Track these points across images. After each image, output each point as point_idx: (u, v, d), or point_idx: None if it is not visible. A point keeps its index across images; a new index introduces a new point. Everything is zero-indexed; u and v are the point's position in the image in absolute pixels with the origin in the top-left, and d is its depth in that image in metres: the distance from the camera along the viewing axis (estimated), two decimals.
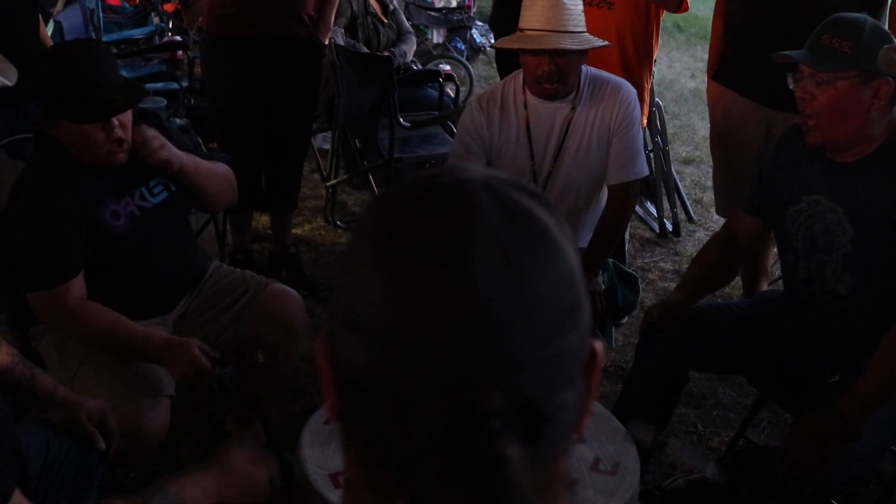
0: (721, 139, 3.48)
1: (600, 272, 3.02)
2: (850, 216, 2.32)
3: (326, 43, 4.01)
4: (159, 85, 5.01)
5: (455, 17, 7.98)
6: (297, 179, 4.20)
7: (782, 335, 2.52)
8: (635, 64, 3.52)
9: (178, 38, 6.02)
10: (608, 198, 3.04)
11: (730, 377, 3.38)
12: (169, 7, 6.84)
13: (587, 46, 2.81)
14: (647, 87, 3.65)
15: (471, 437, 0.63)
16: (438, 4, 8.07)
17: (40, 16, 3.67)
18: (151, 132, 2.44)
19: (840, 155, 2.35)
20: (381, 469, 0.69)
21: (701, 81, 7.43)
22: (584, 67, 2.94)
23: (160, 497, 1.37)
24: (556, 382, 0.68)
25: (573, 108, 2.93)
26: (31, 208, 2.32)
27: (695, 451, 2.47)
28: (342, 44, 4.76)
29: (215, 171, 2.68)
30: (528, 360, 0.65)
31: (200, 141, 4.03)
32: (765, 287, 3.50)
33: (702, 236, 4.81)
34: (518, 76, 3.00)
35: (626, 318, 3.67)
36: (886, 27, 3.01)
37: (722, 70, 3.40)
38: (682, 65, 8.87)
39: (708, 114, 3.64)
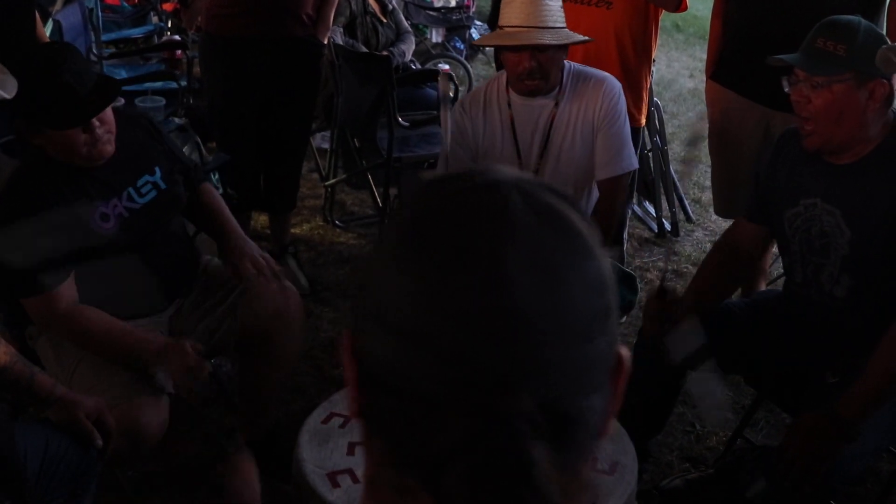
0: (720, 139, 3.48)
1: None
2: (847, 218, 2.32)
3: (325, 42, 4.01)
4: (158, 84, 5.00)
5: (454, 17, 7.97)
6: (296, 179, 4.20)
7: (780, 335, 2.52)
8: (634, 63, 3.52)
9: (176, 37, 6.01)
10: (599, 193, 3.03)
11: (728, 377, 3.38)
12: (168, 6, 6.84)
13: (566, 41, 2.82)
14: (646, 86, 3.65)
15: (498, 438, 0.64)
16: (437, 4, 8.06)
17: (38, 15, 3.66)
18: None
19: (837, 157, 2.35)
20: (406, 469, 0.69)
21: (700, 81, 7.42)
22: (567, 63, 2.94)
23: None
24: (584, 386, 0.68)
25: (556, 105, 2.93)
26: (13, 215, 2.31)
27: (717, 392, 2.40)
28: (341, 43, 4.76)
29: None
30: (557, 362, 0.65)
31: (199, 141, 4.03)
32: (763, 287, 3.50)
33: (700, 236, 4.82)
34: (501, 76, 3.01)
35: (624, 318, 3.67)
36: (884, 28, 3.02)
37: (720, 70, 3.40)
38: (680, 64, 8.87)
39: (707, 113, 3.64)
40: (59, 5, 5.32)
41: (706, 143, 3.63)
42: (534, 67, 2.79)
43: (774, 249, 2.76)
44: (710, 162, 3.74)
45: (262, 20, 3.67)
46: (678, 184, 5.00)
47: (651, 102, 4.21)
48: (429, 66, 6.27)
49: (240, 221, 4.01)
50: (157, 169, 2.55)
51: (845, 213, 2.32)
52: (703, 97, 3.77)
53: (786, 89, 2.35)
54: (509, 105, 2.96)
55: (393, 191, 4.49)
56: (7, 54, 2.65)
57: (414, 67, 5.43)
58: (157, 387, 2.36)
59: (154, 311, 2.58)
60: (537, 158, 2.97)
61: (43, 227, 2.30)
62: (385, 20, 5.25)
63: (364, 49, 5.01)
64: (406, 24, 5.50)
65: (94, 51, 5.76)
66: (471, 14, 8.10)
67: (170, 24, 6.75)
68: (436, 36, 8.03)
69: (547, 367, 0.65)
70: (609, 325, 0.69)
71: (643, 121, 3.72)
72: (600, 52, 3.42)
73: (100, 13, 6.03)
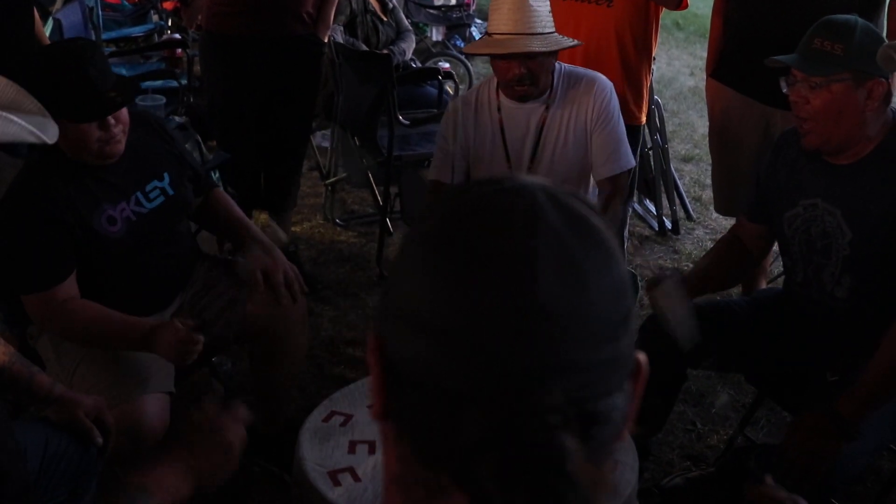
0: (720, 137, 3.48)
1: None
2: (847, 218, 2.32)
3: (326, 41, 4.01)
4: (158, 83, 5.00)
5: (454, 15, 7.97)
6: (297, 177, 4.20)
7: (781, 334, 2.52)
8: (635, 61, 3.52)
9: (177, 36, 6.01)
10: (598, 193, 3.03)
11: (728, 375, 3.38)
12: (168, 5, 6.84)
13: (556, 48, 2.81)
14: (647, 84, 3.64)
15: (530, 430, 0.65)
16: (438, 2, 8.06)
17: (37, 13, 3.66)
18: None
19: (836, 157, 2.35)
20: (435, 466, 0.70)
21: (700, 79, 7.42)
22: (557, 65, 2.93)
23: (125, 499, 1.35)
24: (609, 386, 0.70)
25: (547, 108, 2.92)
26: (18, 214, 2.32)
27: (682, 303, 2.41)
28: (341, 42, 4.75)
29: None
30: (584, 361, 0.67)
31: (199, 139, 4.03)
32: (763, 285, 3.50)
33: (701, 234, 4.81)
34: (492, 79, 3.00)
35: None
36: (885, 28, 3.02)
37: (721, 68, 3.40)
38: (681, 63, 8.86)
39: (707, 112, 3.64)
40: (59, 4, 5.32)
41: (706, 141, 3.62)
42: (523, 74, 2.79)
43: (775, 248, 2.76)
44: (710, 160, 3.74)
45: (262, 18, 3.67)
46: (678, 182, 5.00)
47: (651, 100, 4.21)
48: (429, 64, 6.27)
49: None
50: (165, 174, 2.55)
51: (846, 213, 2.32)
52: (704, 95, 3.77)
53: (784, 90, 2.35)
54: (499, 109, 2.96)
55: (393, 189, 4.49)
56: (5, 53, 2.66)
57: (414, 66, 5.43)
58: (158, 384, 2.36)
59: (156, 310, 2.58)
60: (528, 162, 2.96)
61: (47, 225, 2.30)
62: (385, 18, 5.25)
63: (364, 47, 5.00)
64: (406, 22, 5.49)
65: None
66: (471, 12, 8.09)
67: (170, 23, 6.75)
68: (436, 34, 8.03)
69: (574, 365, 0.67)
70: (630, 327, 0.72)
71: (644, 119, 3.72)
72: (601, 51, 3.42)
73: (100, 12, 6.04)
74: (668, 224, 4.81)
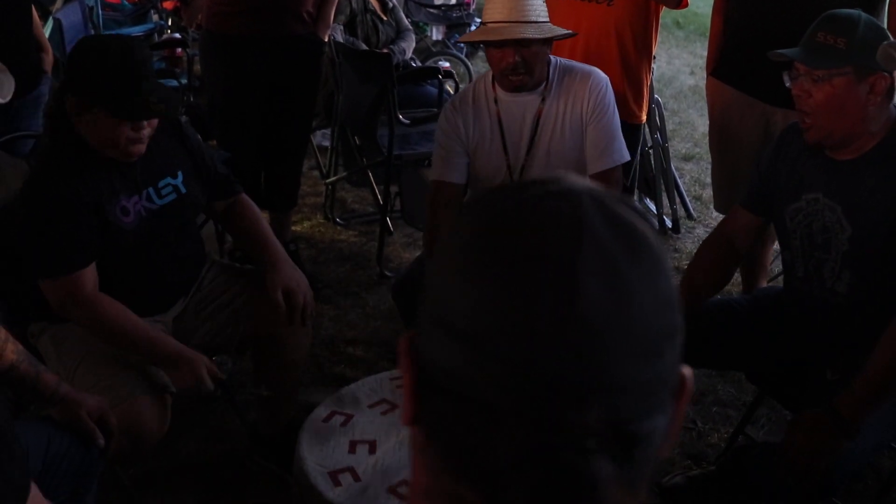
0: (720, 135, 3.48)
1: None
2: (848, 214, 2.32)
3: (326, 40, 4.01)
4: None
5: (454, 14, 7.97)
6: (297, 177, 4.20)
7: (781, 332, 2.52)
8: (635, 60, 3.52)
9: (177, 35, 6.03)
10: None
11: (729, 373, 3.38)
12: (168, 5, 6.85)
13: (549, 35, 2.81)
14: (647, 83, 3.65)
15: (565, 453, 0.63)
16: (437, 1, 8.06)
17: (38, 13, 3.67)
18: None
19: (839, 152, 2.35)
20: (465, 479, 0.67)
21: (700, 78, 7.43)
22: (553, 58, 2.93)
23: None
24: (651, 406, 0.66)
25: (543, 100, 2.92)
26: (48, 195, 2.32)
27: None
28: (341, 41, 4.76)
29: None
30: (626, 379, 0.64)
31: (199, 139, 4.04)
32: (764, 284, 3.50)
33: (701, 233, 4.81)
34: (488, 74, 3.00)
35: None
36: (885, 24, 3.01)
37: (721, 66, 3.40)
38: (681, 61, 8.87)
39: (707, 110, 3.64)
40: (59, 3, 5.33)
41: (706, 140, 3.62)
42: (518, 63, 2.79)
43: (775, 246, 2.76)
44: (710, 158, 3.74)
45: (262, 18, 3.67)
46: (679, 181, 5.00)
47: (652, 99, 4.21)
48: (429, 63, 6.27)
49: None
50: (179, 172, 2.55)
51: (846, 208, 2.32)
52: (704, 94, 3.77)
53: (787, 84, 2.35)
54: (496, 102, 2.96)
55: (393, 188, 4.49)
56: (3, 52, 2.66)
57: (414, 65, 5.43)
58: (160, 383, 2.37)
59: (159, 310, 2.58)
60: (525, 154, 2.97)
61: (71, 208, 2.31)
62: (385, 18, 5.25)
63: (364, 47, 5.01)
64: (406, 21, 5.49)
65: None
66: (471, 11, 8.09)
67: (170, 23, 6.77)
68: (436, 33, 8.04)
69: (615, 383, 0.64)
70: (677, 342, 0.68)
71: (644, 118, 3.72)
72: (601, 49, 3.42)
73: (100, 11, 6.05)
74: (669, 223, 4.81)
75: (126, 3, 6.76)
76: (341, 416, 2.26)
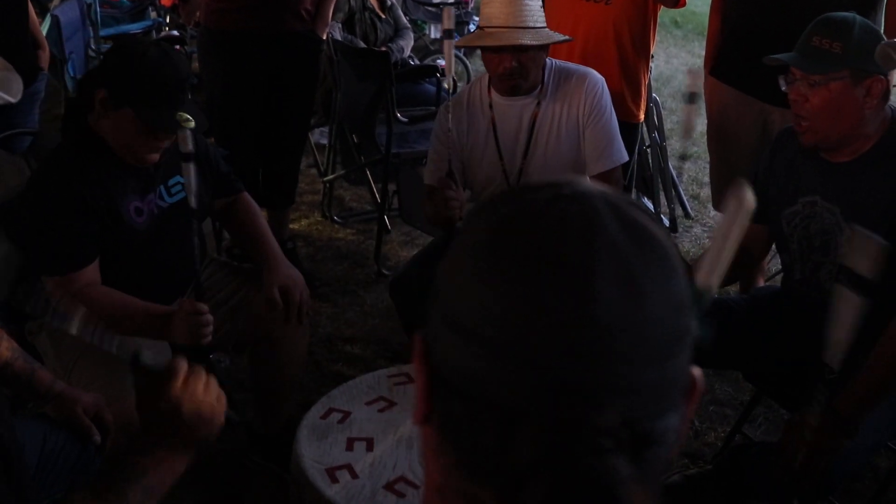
0: (718, 134, 3.48)
1: None
2: (846, 216, 2.32)
3: (324, 38, 4.01)
4: None
5: (453, 13, 7.96)
6: (295, 174, 4.20)
7: (779, 331, 2.52)
8: (632, 59, 3.52)
9: (175, 32, 6.02)
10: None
11: (726, 373, 3.38)
12: (166, 2, 6.85)
13: (546, 42, 2.81)
14: (645, 82, 3.64)
15: (583, 453, 0.63)
16: (436, 0, 8.06)
17: (34, 8, 3.66)
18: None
19: (835, 155, 2.35)
20: (480, 481, 0.67)
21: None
22: (549, 61, 2.93)
23: (135, 489, 1.34)
24: (664, 406, 0.67)
25: (538, 103, 2.92)
26: (55, 191, 2.32)
27: None
28: (339, 39, 4.76)
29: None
30: (640, 380, 0.65)
31: (204, 136, 4.03)
32: (761, 284, 3.50)
33: (699, 232, 4.82)
34: (484, 78, 3.00)
35: None
36: (882, 25, 3.02)
37: (719, 65, 3.40)
38: (679, 61, 8.87)
39: (705, 110, 3.64)
40: (57, 0, 5.32)
41: (704, 139, 3.62)
42: (514, 68, 2.79)
43: (773, 245, 2.75)
44: (708, 157, 3.74)
45: (260, 15, 3.67)
46: (676, 180, 5.01)
47: (650, 98, 4.21)
48: (427, 61, 6.28)
49: None
50: None
51: (844, 210, 2.32)
52: (702, 94, 3.77)
53: (783, 88, 2.35)
54: (491, 106, 2.96)
55: (391, 186, 4.49)
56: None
57: (412, 63, 5.43)
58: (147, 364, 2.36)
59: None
60: (521, 158, 2.96)
61: (79, 208, 2.31)
62: (384, 16, 5.25)
63: (362, 45, 5.01)
64: (405, 19, 5.50)
65: (93, 46, 5.76)
66: (469, 10, 8.09)
67: (168, 20, 6.76)
68: (434, 32, 8.04)
69: (630, 384, 0.64)
70: (688, 344, 0.69)
71: (642, 117, 3.72)
72: (599, 48, 3.42)
73: (98, 8, 6.04)
74: (667, 222, 4.81)
75: (124, 0, 6.75)
76: (339, 414, 2.26)
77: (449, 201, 2.68)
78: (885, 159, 2.29)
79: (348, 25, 5.07)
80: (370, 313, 3.88)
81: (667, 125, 5.35)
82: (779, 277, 2.74)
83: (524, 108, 2.92)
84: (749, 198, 1.37)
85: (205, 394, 1.47)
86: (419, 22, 7.93)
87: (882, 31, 2.97)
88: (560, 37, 2.86)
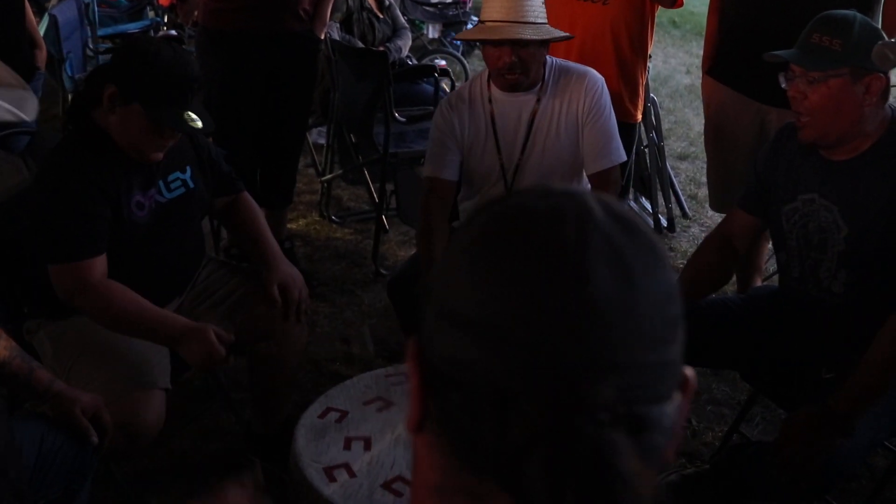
0: (715, 134, 3.49)
1: None
2: (845, 214, 2.32)
3: (322, 38, 4.01)
4: None
5: (450, 13, 7.97)
6: (293, 174, 4.20)
7: (776, 331, 2.53)
8: (630, 59, 3.52)
9: (173, 32, 6.01)
10: (589, 188, 3.03)
11: (723, 372, 3.39)
12: (164, 1, 6.84)
13: (547, 37, 2.82)
14: (642, 82, 3.65)
15: (580, 426, 0.64)
16: (434, 0, 8.07)
17: (31, 8, 3.66)
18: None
19: (834, 153, 2.36)
20: (479, 471, 0.68)
21: (696, 77, 7.43)
22: (549, 58, 2.94)
23: None
24: (658, 391, 0.68)
25: (538, 100, 2.93)
26: (67, 180, 2.32)
27: None
28: (337, 39, 4.76)
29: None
30: (634, 361, 0.66)
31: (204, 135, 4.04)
32: (759, 283, 3.50)
33: (696, 232, 4.82)
34: (484, 73, 3.01)
35: None
36: (879, 24, 3.02)
37: (717, 65, 3.41)
38: (677, 60, 8.87)
39: (703, 109, 3.65)
40: (54, 0, 5.32)
41: (702, 139, 3.62)
42: (514, 62, 2.79)
43: (770, 245, 2.76)
44: (706, 157, 3.74)
45: (259, 15, 3.67)
46: (674, 180, 5.01)
47: (647, 98, 4.21)
48: (425, 61, 6.28)
49: None
50: (188, 167, 2.57)
51: (843, 209, 2.32)
52: (700, 93, 3.78)
53: (783, 85, 2.35)
54: (490, 101, 2.96)
55: (389, 186, 4.49)
56: None
57: (410, 63, 5.43)
58: (154, 380, 2.36)
59: (157, 304, 2.58)
60: (519, 154, 2.97)
61: (89, 195, 2.31)
62: (381, 16, 5.25)
63: (360, 45, 5.01)
64: (402, 19, 5.50)
65: (91, 46, 5.76)
66: (467, 10, 8.09)
67: (166, 19, 6.76)
68: (432, 31, 8.04)
69: (625, 365, 0.66)
70: (679, 334, 0.70)
71: (639, 116, 3.72)
72: (596, 48, 3.42)
73: (96, 8, 6.04)
74: (664, 222, 4.82)
75: (122, 0, 6.75)
76: (336, 413, 2.26)
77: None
78: (885, 158, 2.29)
79: (346, 25, 5.07)
80: (368, 313, 3.88)
81: (664, 125, 5.35)
82: (776, 278, 2.75)
83: (524, 104, 2.93)
84: None
85: None
86: (417, 22, 7.94)
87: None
88: (560, 33, 2.87)
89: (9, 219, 2.47)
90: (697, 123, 6.34)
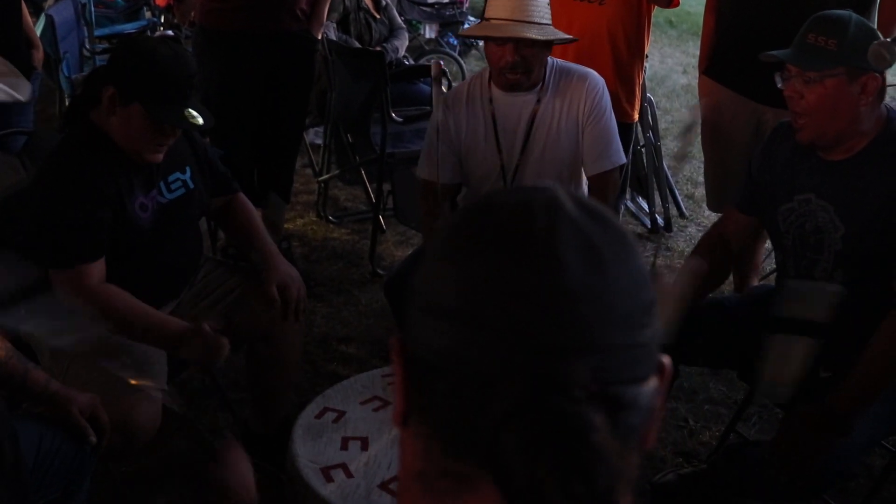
0: (712, 134, 3.49)
1: None
2: (841, 214, 2.32)
3: (319, 38, 4.01)
4: None
5: (447, 13, 7.97)
6: (290, 174, 4.20)
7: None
8: (627, 59, 3.53)
9: (170, 32, 6.01)
10: (588, 189, 3.03)
11: (720, 371, 3.39)
12: (161, 1, 6.83)
13: (551, 38, 2.82)
14: (639, 82, 3.65)
15: (555, 401, 0.66)
16: (430, 0, 8.06)
17: (28, 8, 3.66)
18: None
19: (830, 153, 2.36)
20: (460, 452, 0.71)
21: (693, 77, 7.43)
22: (550, 59, 2.94)
23: None
24: (633, 373, 0.71)
25: (539, 101, 2.92)
26: (66, 185, 2.31)
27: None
28: (334, 39, 4.76)
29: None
30: (607, 343, 0.69)
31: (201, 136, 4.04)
32: (755, 283, 3.51)
33: (693, 231, 4.82)
34: (484, 73, 3.00)
35: None
36: (875, 23, 3.03)
37: (713, 65, 3.41)
38: (674, 60, 8.88)
39: (699, 107, 3.65)
40: (51, 0, 5.31)
41: (699, 136, 3.63)
42: (517, 61, 2.79)
43: (767, 245, 2.76)
44: (702, 157, 3.74)
45: (256, 15, 3.67)
46: (671, 179, 5.01)
47: (644, 98, 4.21)
48: (422, 61, 6.28)
49: None
50: (187, 168, 2.57)
51: (839, 208, 2.33)
52: (697, 93, 3.78)
53: (779, 85, 2.36)
54: (491, 101, 2.96)
55: (386, 186, 4.49)
56: None
57: (407, 63, 5.44)
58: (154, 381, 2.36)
59: (156, 306, 2.57)
60: (519, 155, 2.97)
61: (91, 200, 2.31)
62: (378, 16, 5.26)
63: (357, 45, 5.01)
64: (399, 19, 5.50)
65: (87, 46, 5.75)
66: (464, 10, 8.10)
67: (163, 19, 6.75)
68: (429, 32, 8.04)
69: (599, 346, 0.68)
70: (654, 319, 0.73)
71: (636, 116, 3.72)
72: (593, 48, 3.42)
73: (93, 8, 6.03)
74: (661, 221, 4.82)
75: (118, 0, 6.75)
76: (333, 413, 2.26)
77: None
78: (880, 158, 2.29)
79: (343, 25, 5.07)
80: (365, 313, 3.88)
81: (661, 125, 5.35)
82: (773, 277, 2.75)
83: (524, 104, 2.93)
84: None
85: (249, 482, 1.48)
86: (414, 22, 7.93)
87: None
88: (564, 35, 2.87)
89: (7, 218, 2.47)
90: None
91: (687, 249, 4.56)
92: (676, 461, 2.96)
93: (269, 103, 3.83)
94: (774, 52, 2.34)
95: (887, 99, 2.35)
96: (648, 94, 4.63)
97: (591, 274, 0.69)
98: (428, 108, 4.71)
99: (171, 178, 2.51)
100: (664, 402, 0.75)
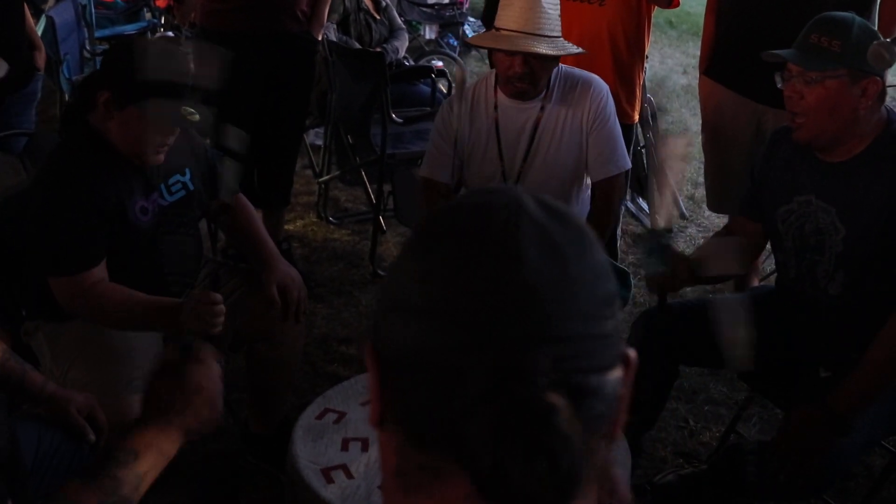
0: (712, 135, 3.49)
1: None
2: (841, 215, 2.32)
3: (319, 39, 4.01)
4: None
5: (447, 14, 7.97)
6: (290, 175, 4.20)
7: (773, 331, 2.53)
8: (627, 60, 3.53)
9: (170, 33, 6.01)
10: (593, 195, 3.02)
11: (720, 372, 3.39)
12: (161, 3, 6.82)
13: (562, 53, 2.81)
14: (639, 83, 3.65)
15: (518, 388, 0.68)
16: (431, 0, 8.06)
17: (29, 10, 3.66)
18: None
19: (830, 155, 2.36)
20: (430, 445, 0.72)
21: (693, 78, 7.41)
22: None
23: (128, 474, 1.37)
24: (596, 363, 0.72)
25: (542, 108, 2.92)
26: (64, 192, 2.31)
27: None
28: (335, 40, 4.76)
29: None
30: (570, 334, 0.71)
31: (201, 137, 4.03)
32: (755, 283, 3.51)
33: (693, 232, 4.82)
34: (490, 76, 3.00)
35: None
36: (876, 25, 3.03)
37: (713, 66, 3.41)
38: (674, 61, 8.87)
39: (700, 110, 3.65)
40: (51, 2, 5.32)
41: (699, 139, 3.63)
42: (525, 72, 2.79)
43: (767, 246, 2.76)
44: (703, 158, 3.74)
45: (256, 15, 3.67)
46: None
47: (644, 99, 4.21)
48: (422, 62, 6.28)
49: None
50: (187, 170, 2.57)
51: (840, 210, 2.33)
52: (697, 94, 3.78)
53: (779, 85, 2.36)
54: (496, 107, 2.96)
55: (386, 187, 4.49)
56: None
57: (407, 64, 5.43)
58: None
59: None
60: (521, 162, 2.97)
61: (89, 208, 2.30)
62: (378, 17, 5.25)
63: (357, 46, 5.01)
64: (399, 20, 5.50)
65: (88, 47, 5.75)
66: (464, 10, 8.09)
67: (163, 21, 6.74)
68: (429, 32, 8.04)
69: (560, 336, 0.70)
70: (614, 311, 0.75)
71: (636, 117, 3.72)
72: (593, 49, 3.42)
73: (93, 9, 6.03)
74: None
75: (119, 1, 6.74)
76: (334, 414, 2.26)
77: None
78: (880, 160, 2.29)
79: (343, 26, 5.07)
80: (365, 314, 3.88)
81: (661, 126, 5.35)
82: (773, 278, 2.75)
83: (528, 111, 2.93)
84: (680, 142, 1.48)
85: (217, 384, 1.51)
86: (414, 23, 7.93)
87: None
88: (574, 49, 2.86)
89: (7, 220, 2.47)
90: (694, 124, 6.32)
91: (687, 250, 4.55)
92: (676, 461, 2.97)
93: (269, 104, 3.83)
94: (777, 52, 2.34)
95: (888, 100, 2.35)
96: (648, 95, 4.63)
97: (552, 268, 0.71)
98: (428, 108, 4.72)
99: (171, 181, 2.51)
100: (630, 393, 0.77)
